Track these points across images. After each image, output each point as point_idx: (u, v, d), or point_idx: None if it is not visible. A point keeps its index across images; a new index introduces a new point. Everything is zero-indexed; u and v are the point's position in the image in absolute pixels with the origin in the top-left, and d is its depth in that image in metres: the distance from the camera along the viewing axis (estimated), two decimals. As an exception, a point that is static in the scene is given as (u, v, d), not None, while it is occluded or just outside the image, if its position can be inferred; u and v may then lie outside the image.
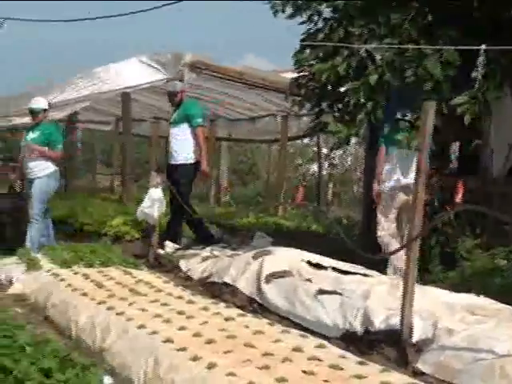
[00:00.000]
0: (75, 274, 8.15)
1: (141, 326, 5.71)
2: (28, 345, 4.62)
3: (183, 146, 10.48)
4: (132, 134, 15.69)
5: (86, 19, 12.65)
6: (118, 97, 12.11)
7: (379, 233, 8.98)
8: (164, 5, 10.57)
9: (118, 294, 7.04)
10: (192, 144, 10.43)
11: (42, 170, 10.42)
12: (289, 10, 9.27)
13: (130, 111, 14.22)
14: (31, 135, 10.56)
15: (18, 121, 11.99)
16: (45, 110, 10.55)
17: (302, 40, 9.34)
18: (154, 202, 10.03)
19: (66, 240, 11.28)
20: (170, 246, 10.38)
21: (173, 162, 10.58)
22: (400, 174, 8.77)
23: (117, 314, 6.19)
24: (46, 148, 10.38)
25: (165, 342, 5.24)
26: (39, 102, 10.55)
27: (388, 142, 8.89)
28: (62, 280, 7.79)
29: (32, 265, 8.67)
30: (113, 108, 16.57)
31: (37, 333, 5.37)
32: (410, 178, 7.97)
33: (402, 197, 8.77)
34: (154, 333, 5.49)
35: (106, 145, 27.96)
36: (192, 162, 10.45)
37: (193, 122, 10.42)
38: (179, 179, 10.45)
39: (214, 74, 12.01)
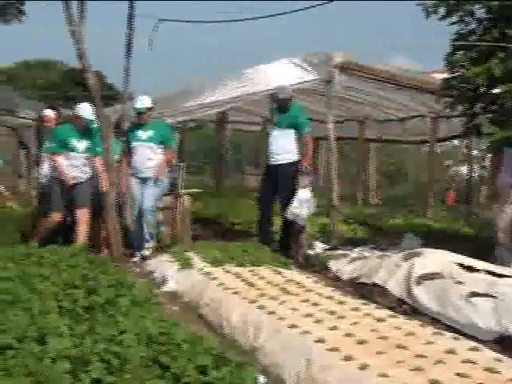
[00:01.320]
0: (227, 272, 8.25)
1: (292, 326, 5.72)
2: (184, 342, 4.70)
3: (286, 149, 10.59)
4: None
5: (237, 20, 12.83)
6: (266, 98, 12.18)
7: None
8: (318, 5, 10.56)
9: (268, 293, 7.08)
10: (295, 147, 10.56)
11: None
12: (441, 12, 9.07)
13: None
14: (142, 135, 10.50)
15: (169, 120, 12.16)
16: (150, 109, 10.48)
17: (454, 41, 9.13)
18: (302, 203, 10.08)
19: (217, 239, 11.44)
20: (319, 247, 10.39)
21: (274, 163, 10.67)
22: None
23: (268, 313, 6.23)
24: (166, 156, 10.52)
25: (317, 341, 5.23)
26: (144, 102, 10.45)
27: None
28: (214, 279, 7.90)
29: (185, 263, 8.83)
30: (261, 109, 16.72)
31: (191, 330, 5.46)
32: None
33: None
34: (306, 332, 5.49)
35: (254, 145, 28.27)
36: (292, 161, 10.54)
37: (302, 129, 10.55)
38: (281, 180, 10.56)
39: (365, 74, 11.89)
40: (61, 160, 10.03)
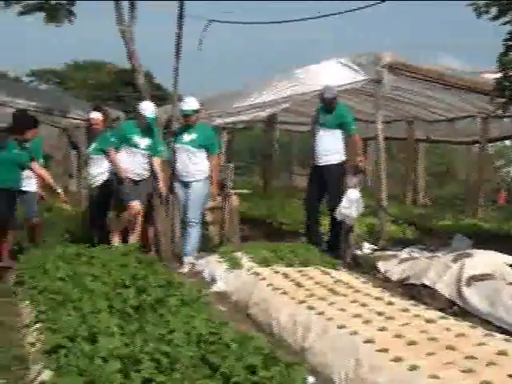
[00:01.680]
0: (275, 273, 8.23)
1: (341, 326, 5.70)
2: (233, 342, 4.71)
3: (333, 148, 10.57)
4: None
5: (287, 21, 12.85)
6: (315, 98, 12.15)
7: None
8: (372, 5, 10.50)
9: (317, 293, 7.05)
10: (341, 147, 10.57)
11: (202, 174, 10.31)
12: (494, 11, 8.95)
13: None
14: (186, 137, 10.33)
15: (218, 121, 12.15)
16: (196, 111, 10.33)
17: (506, 41, 9.01)
18: (351, 203, 10.04)
19: (266, 239, 11.44)
20: (367, 247, 10.35)
21: (321, 164, 10.64)
22: None
23: (317, 313, 6.21)
24: (211, 163, 10.33)
25: (366, 342, 5.20)
26: (190, 104, 10.27)
27: None
28: (263, 279, 7.89)
29: (234, 263, 8.84)
30: (310, 109, 16.68)
31: (240, 330, 5.47)
32: None
33: None
34: (355, 333, 5.46)
35: (302, 145, 28.23)
36: (339, 161, 10.52)
37: (349, 129, 10.56)
38: (329, 180, 10.53)
39: (413, 74, 11.80)
40: (120, 156, 10.04)
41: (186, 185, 10.34)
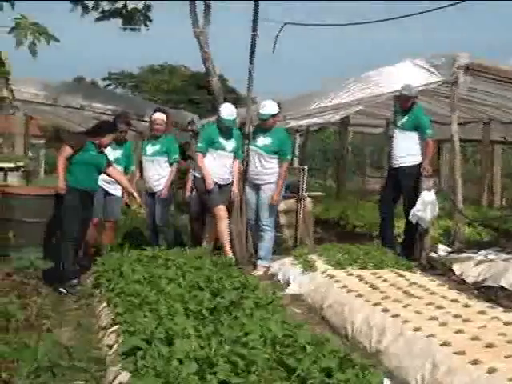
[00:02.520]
0: (349, 275, 8.20)
1: (417, 329, 5.65)
2: (308, 344, 4.70)
3: (409, 150, 10.44)
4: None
5: (360, 23, 12.76)
6: (388, 100, 12.07)
7: None
8: (450, 5, 10.34)
9: (392, 295, 7.00)
10: (418, 149, 10.40)
11: (273, 177, 10.03)
12: None
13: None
14: (260, 142, 10.16)
15: (292, 124, 12.08)
16: (274, 116, 10.05)
17: None
18: (426, 205, 9.94)
19: (339, 241, 11.39)
20: (442, 249, 10.24)
21: (397, 165, 10.53)
22: None
23: (392, 315, 6.17)
24: (280, 169, 10.02)
25: (442, 345, 5.15)
26: (268, 108, 10.04)
27: None
28: (337, 281, 7.88)
29: (308, 266, 8.84)
30: (383, 111, 16.56)
31: (315, 332, 5.46)
32: None
33: None
34: (431, 335, 5.42)
35: (375, 148, 28.06)
36: (415, 163, 10.35)
37: (425, 131, 10.37)
38: (404, 182, 10.44)
39: (490, 76, 11.58)
40: (208, 161, 10.02)
41: (257, 188, 10.20)
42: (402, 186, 10.45)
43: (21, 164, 14.18)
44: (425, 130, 10.36)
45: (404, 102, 10.52)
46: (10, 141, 16.43)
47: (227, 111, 9.89)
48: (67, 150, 8.57)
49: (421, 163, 10.28)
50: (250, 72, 10.52)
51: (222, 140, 9.93)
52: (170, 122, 10.94)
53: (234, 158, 10.07)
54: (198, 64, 10.63)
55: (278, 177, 10.03)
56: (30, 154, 21.31)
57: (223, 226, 9.80)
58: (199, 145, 10.00)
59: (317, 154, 32.48)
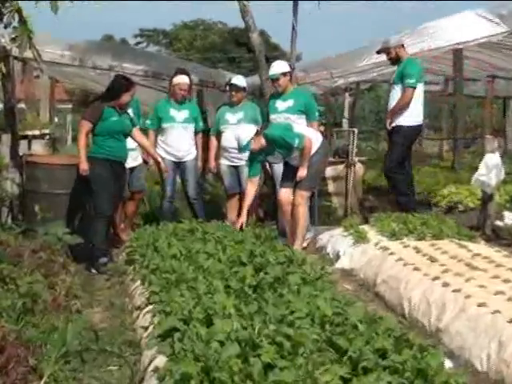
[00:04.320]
0: (405, 247, 8.13)
1: (481, 305, 5.59)
2: (361, 323, 4.67)
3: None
4: (464, 94, 15.46)
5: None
6: (447, 54, 11.94)
7: None
8: None
9: (453, 268, 6.92)
10: (413, 105, 10.03)
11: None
12: None
13: (461, 69, 14.00)
14: (280, 105, 10.05)
15: (340, 82, 12.02)
16: (285, 74, 9.94)
17: None
18: (490, 169, 9.77)
19: (393, 210, 11.30)
20: (509, 217, 10.10)
21: (391, 126, 10.25)
22: None
23: (453, 290, 6.11)
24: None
25: (509, 322, 5.09)
26: (277, 68, 9.98)
27: None
28: (392, 254, 7.82)
29: (359, 237, 8.78)
30: (442, 66, 16.38)
31: (367, 310, 5.43)
32: None
33: None
34: (496, 312, 5.35)
35: (432, 107, 27.77)
36: (411, 124, 10.09)
37: (405, 81, 9.94)
38: (395, 140, 10.20)
39: None
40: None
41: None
42: (391, 141, 10.33)
43: (46, 131, 14.21)
44: (406, 78, 9.97)
45: (387, 56, 10.32)
46: (34, 106, 16.47)
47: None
48: (85, 125, 8.57)
49: (416, 125, 10.08)
50: (293, 28, 10.44)
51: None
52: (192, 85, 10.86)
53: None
54: (237, 19, 10.56)
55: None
56: (56, 119, 21.43)
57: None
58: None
59: (368, 115, 32.23)
